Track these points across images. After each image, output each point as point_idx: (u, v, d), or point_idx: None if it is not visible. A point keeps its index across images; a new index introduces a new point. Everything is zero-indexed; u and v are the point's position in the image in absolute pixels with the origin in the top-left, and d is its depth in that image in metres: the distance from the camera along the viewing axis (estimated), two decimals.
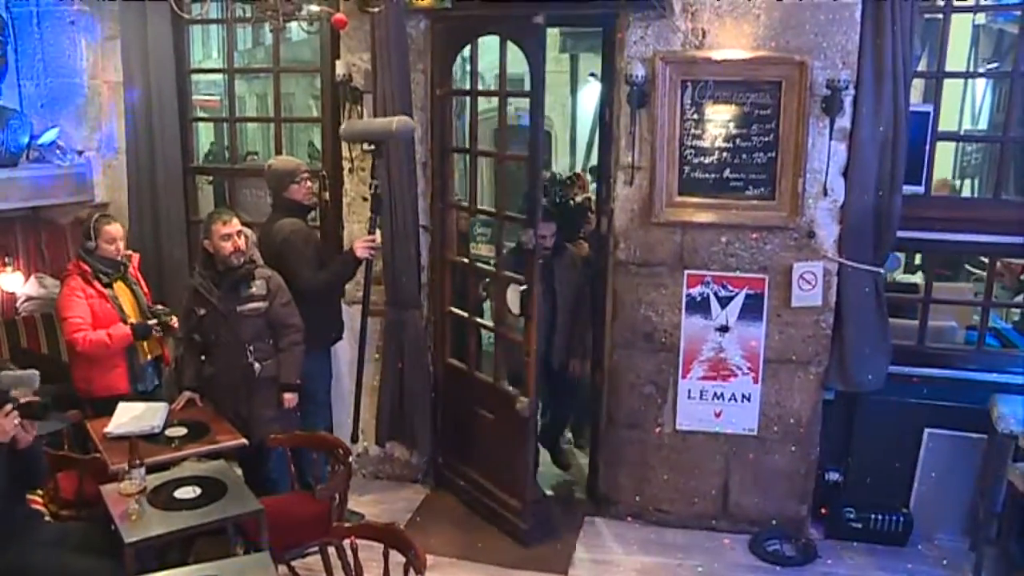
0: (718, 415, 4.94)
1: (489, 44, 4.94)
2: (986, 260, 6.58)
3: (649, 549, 4.90)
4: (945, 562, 4.85)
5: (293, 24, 5.37)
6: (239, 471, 4.56)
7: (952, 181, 8.69)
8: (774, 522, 5.04)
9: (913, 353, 5.06)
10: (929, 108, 4.89)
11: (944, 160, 8.26)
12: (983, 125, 9.22)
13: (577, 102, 12.61)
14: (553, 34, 10.83)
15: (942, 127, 5.00)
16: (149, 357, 4.86)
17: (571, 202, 5.97)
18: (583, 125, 12.34)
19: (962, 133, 8.20)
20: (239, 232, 4.55)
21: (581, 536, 5.04)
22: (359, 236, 4.98)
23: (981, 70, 8.63)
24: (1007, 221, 4.87)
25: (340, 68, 5.15)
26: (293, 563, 4.20)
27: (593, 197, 6.31)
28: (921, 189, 4.87)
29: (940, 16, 4.96)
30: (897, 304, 5.33)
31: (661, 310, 4.89)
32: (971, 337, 5.44)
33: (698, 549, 4.91)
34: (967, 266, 7.84)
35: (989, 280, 5.18)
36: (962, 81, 8.52)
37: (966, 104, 9.04)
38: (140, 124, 5.49)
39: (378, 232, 4.85)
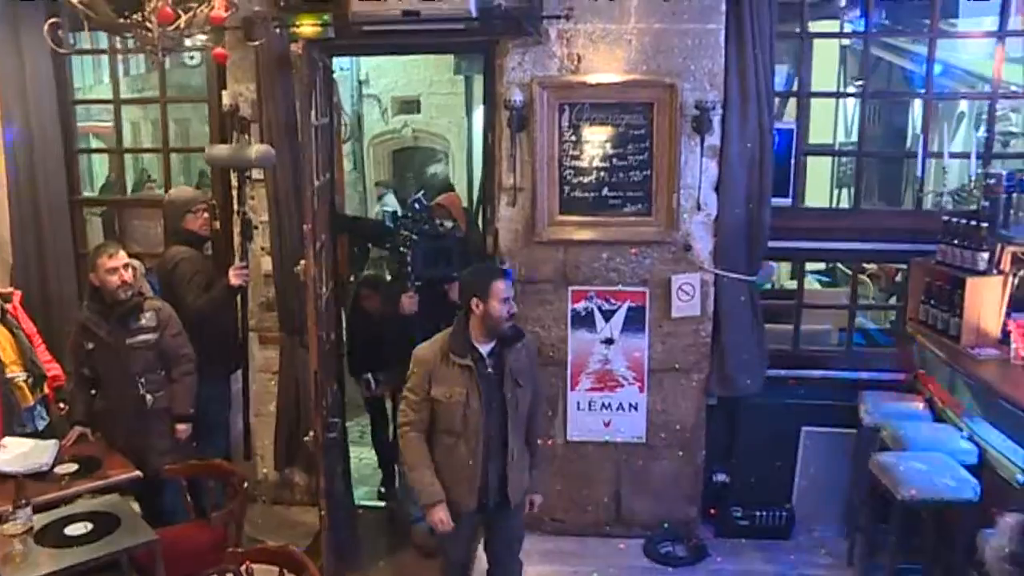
0: (607, 425, 5.13)
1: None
2: (867, 266, 7.04)
3: (546, 558, 5.03)
4: (824, 551, 5.14)
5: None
6: (136, 505, 4.54)
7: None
8: (666, 525, 5.23)
9: (789, 356, 5.35)
10: (793, 125, 5.20)
11: (822, 172, 8.70)
12: (855, 138, 9.71)
13: (473, 123, 12.79)
14: (447, 57, 11.01)
15: (817, 141, 5.31)
16: (31, 403, 4.80)
17: (440, 227, 5.33)
18: (480, 146, 12.50)
19: (836, 147, 8.64)
20: (126, 265, 4.55)
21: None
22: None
23: (850, 89, 9.11)
24: (867, 229, 5.21)
25: (227, 98, 5.20)
26: None
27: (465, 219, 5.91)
28: (789, 201, 5.17)
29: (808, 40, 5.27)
30: (777, 311, 5.63)
31: (548, 325, 5.06)
32: (845, 339, 5.77)
33: (593, 555, 5.07)
34: (846, 271, 8.26)
35: (853, 285, 5.51)
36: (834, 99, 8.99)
37: (839, 119, 9.53)
38: (20, 158, 5.40)
39: (251, 258, 4.97)
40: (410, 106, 12.85)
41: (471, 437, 3.66)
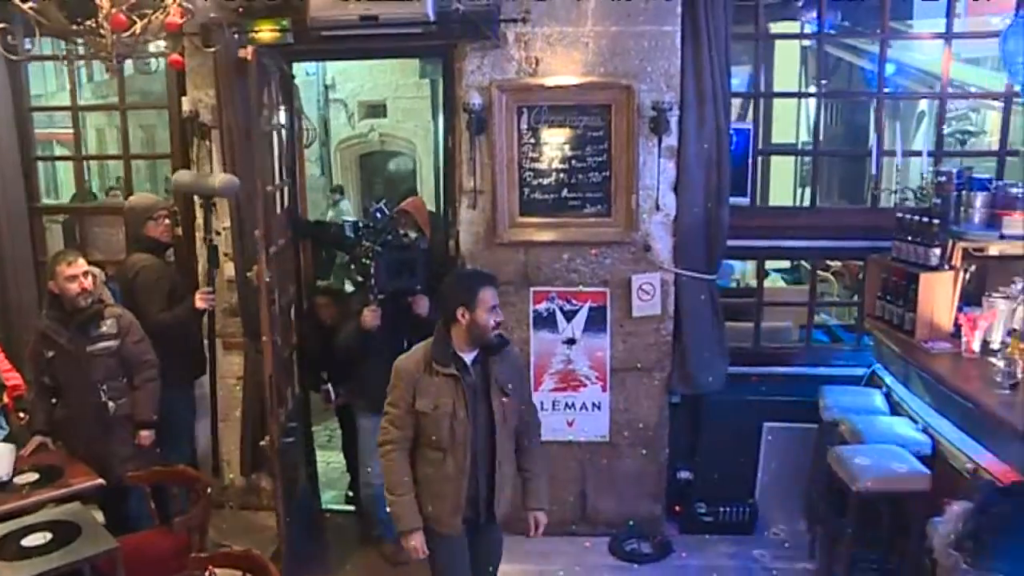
0: (571, 424, 5.17)
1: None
2: (832, 264, 7.14)
3: (512, 558, 4.96)
4: (787, 544, 5.22)
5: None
6: (100, 514, 4.52)
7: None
8: (631, 522, 5.29)
9: (750, 354, 5.43)
10: (749, 125, 5.28)
11: (787, 172, 8.82)
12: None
13: (439, 127, 12.81)
14: (413, 61, 11.05)
15: (781, 140, 5.38)
16: None
17: (404, 237, 5.01)
18: None
19: (799, 147, 8.74)
20: (86, 272, 4.53)
21: None
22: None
23: (811, 89, 9.23)
24: (824, 227, 5.30)
25: (186, 104, 5.19)
26: None
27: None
28: (747, 200, 5.24)
29: (766, 41, 5.35)
30: (740, 308, 5.70)
31: (510, 327, 5.07)
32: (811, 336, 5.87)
33: (559, 554, 5.11)
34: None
35: (812, 282, 5.59)
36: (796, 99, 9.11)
37: (802, 119, 9.65)
38: None
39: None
40: (376, 110, 12.88)
41: (458, 450, 3.49)
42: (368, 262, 4.83)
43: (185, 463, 4.88)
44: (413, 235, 5.15)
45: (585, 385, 5.12)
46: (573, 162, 4.96)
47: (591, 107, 4.91)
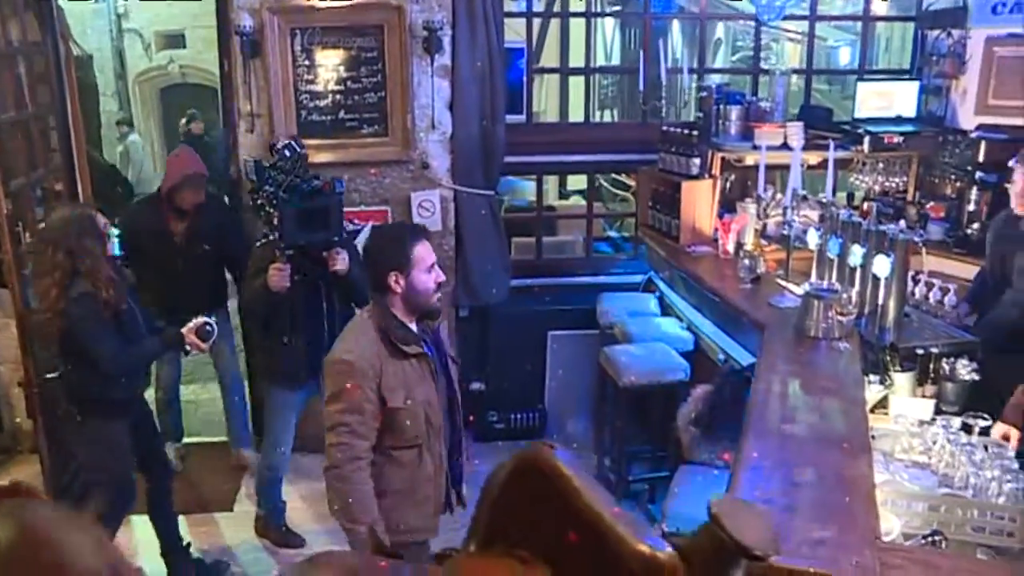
0: None
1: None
2: (631, 182, 7.46)
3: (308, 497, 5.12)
4: (575, 445, 5.51)
5: None
6: None
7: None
8: None
9: (534, 266, 5.66)
10: (522, 44, 5.42)
11: (577, 93, 9.10)
12: (616, 60, 10.21)
13: None
14: None
15: (572, 63, 5.55)
16: None
17: (316, 179, 4.21)
18: None
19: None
20: None
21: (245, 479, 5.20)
22: None
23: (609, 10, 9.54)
24: (599, 141, 5.55)
25: None
26: None
27: None
28: (523, 118, 5.41)
29: None
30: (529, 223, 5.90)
31: None
32: (597, 247, 6.17)
33: None
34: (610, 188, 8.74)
35: (590, 198, 5.86)
36: (592, 21, 9.35)
37: (599, 41, 9.94)
38: None
39: None
40: (175, 40, 12.27)
41: (435, 442, 2.96)
42: (272, 211, 4.04)
43: None
44: (328, 177, 4.30)
45: None
46: (349, 83, 4.96)
47: (364, 28, 4.91)
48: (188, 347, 3.82)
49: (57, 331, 3.57)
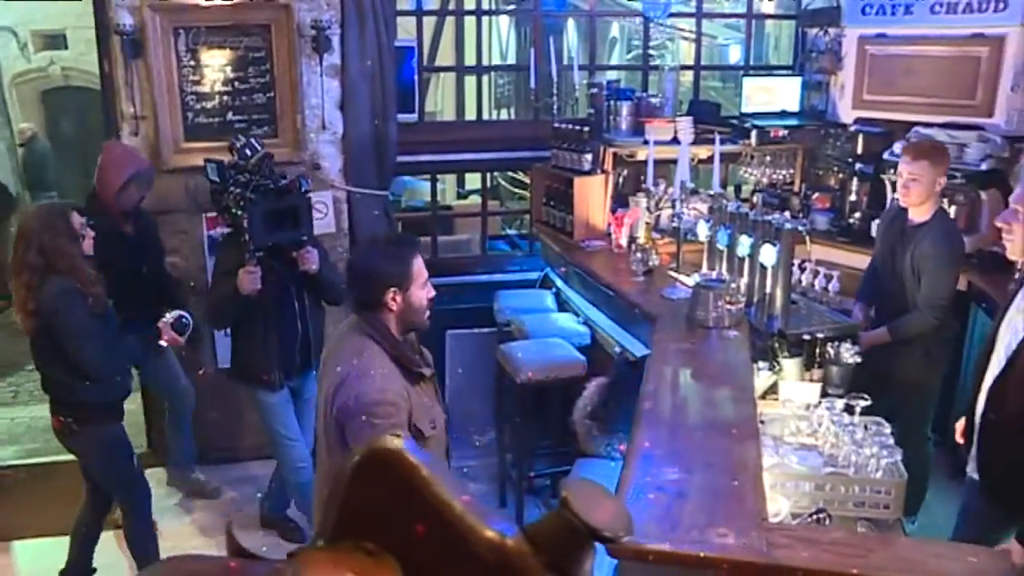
0: None
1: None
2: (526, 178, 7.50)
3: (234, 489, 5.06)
4: (478, 443, 5.53)
5: None
6: None
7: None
8: None
9: (430, 265, 5.57)
10: (413, 43, 5.41)
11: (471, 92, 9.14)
12: (512, 59, 10.27)
13: None
14: None
15: (468, 62, 5.55)
16: None
17: (283, 178, 4.16)
18: None
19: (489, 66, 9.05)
20: None
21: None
22: None
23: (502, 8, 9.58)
24: (491, 139, 5.58)
25: None
26: None
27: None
28: (415, 117, 5.39)
29: None
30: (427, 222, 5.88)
31: (186, 256, 4.98)
32: (495, 246, 6.18)
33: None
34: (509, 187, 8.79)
35: (484, 197, 5.89)
36: (486, 20, 9.39)
37: (494, 40, 9.98)
38: None
39: None
40: (56, 41, 11.75)
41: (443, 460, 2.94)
42: (239, 213, 3.95)
43: None
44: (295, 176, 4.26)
45: None
46: (236, 84, 4.86)
47: (251, 27, 4.81)
48: (165, 342, 3.83)
49: (32, 331, 3.47)
